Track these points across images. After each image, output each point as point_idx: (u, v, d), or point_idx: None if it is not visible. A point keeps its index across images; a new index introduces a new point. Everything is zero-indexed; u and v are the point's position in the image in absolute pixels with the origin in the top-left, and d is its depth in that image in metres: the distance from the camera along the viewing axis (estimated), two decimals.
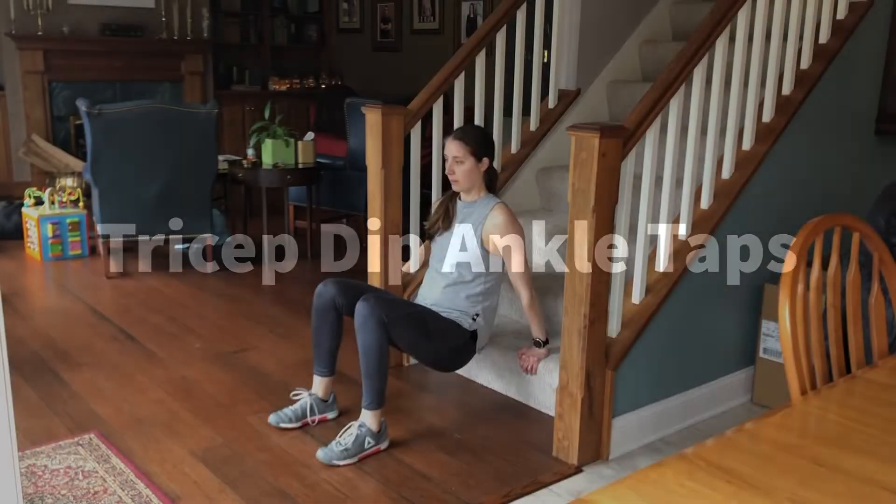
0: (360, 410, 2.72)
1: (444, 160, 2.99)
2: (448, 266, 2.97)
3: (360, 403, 2.71)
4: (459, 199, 3.03)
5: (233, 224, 5.80)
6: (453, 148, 2.91)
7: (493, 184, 3.02)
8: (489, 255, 2.94)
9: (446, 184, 3.11)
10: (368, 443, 2.68)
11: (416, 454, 2.73)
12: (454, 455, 2.73)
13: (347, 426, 2.72)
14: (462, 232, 2.96)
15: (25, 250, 5.27)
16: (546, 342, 3.02)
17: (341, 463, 2.63)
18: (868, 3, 3.29)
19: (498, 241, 2.90)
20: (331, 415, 2.96)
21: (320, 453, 2.66)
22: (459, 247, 2.95)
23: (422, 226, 3.36)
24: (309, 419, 2.90)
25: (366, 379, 2.67)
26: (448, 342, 2.87)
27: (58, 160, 6.47)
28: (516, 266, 2.91)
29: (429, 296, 3.02)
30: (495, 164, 3.78)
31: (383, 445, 2.74)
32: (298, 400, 2.94)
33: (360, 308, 2.64)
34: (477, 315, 2.94)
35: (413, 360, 3.52)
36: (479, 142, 2.92)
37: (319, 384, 2.93)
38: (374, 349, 2.64)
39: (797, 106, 3.08)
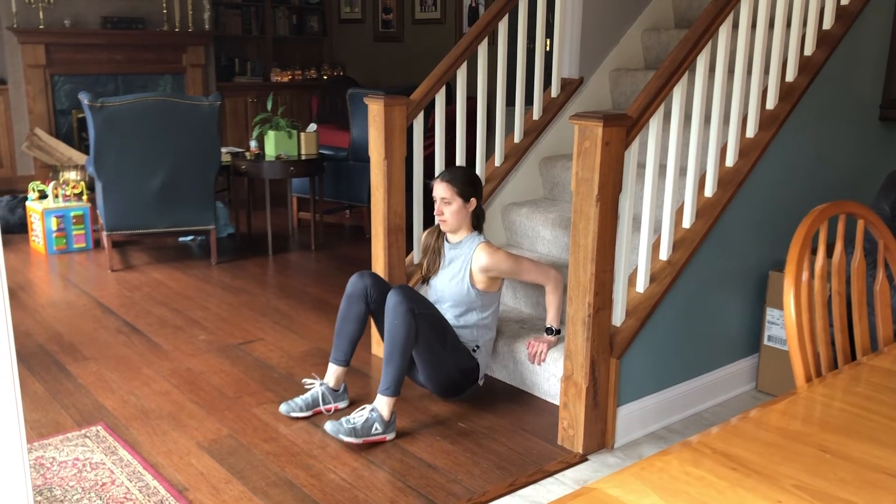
0: (374, 398, 2.75)
1: (433, 201, 3.03)
2: (445, 308, 3.01)
3: (368, 396, 2.73)
4: (447, 240, 3.08)
5: (236, 216, 5.81)
6: (441, 189, 2.97)
7: (479, 222, 3.07)
8: (482, 294, 2.98)
9: None
10: (376, 429, 2.69)
11: (421, 444, 2.74)
12: (459, 445, 2.74)
13: (361, 407, 2.76)
14: (451, 275, 3.01)
15: (30, 244, 5.28)
16: (558, 332, 3.04)
17: (345, 439, 2.66)
18: None
19: (497, 273, 2.96)
20: (342, 405, 2.98)
21: (328, 425, 2.69)
22: (452, 290, 2.99)
23: (427, 214, 3.36)
24: (322, 408, 2.92)
25: (386, 364, 2.71)
26: (459, 361, 2.91)
27: (61, 154, 6.48)
28: (529, 275, 2.99)
29: None
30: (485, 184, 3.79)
31: (389, 436, 2.75)
32: (310, 389, 2.96)
33: (393, 294, 2.70)
34: (477, 346, 3.00)
35: None
36: (466, 182, 2.98)
37: (333, 373, 2.95)
38: (401, 335, 2.67)
39: (801, 93, 3.07)
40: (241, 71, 8.42)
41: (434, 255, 3.10)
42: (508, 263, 2.96)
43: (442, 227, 3.04)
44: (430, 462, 2.63)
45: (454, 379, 2.95)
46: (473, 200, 3.00)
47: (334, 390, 2.96)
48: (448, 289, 3.00)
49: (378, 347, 3.50)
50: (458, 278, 2.98)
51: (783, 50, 3.04)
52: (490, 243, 2.99)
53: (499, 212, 3.80)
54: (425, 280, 3.15)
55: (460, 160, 3.54)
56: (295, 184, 5.73)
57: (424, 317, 2.73)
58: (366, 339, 3.55)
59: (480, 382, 3.06)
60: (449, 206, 2.96)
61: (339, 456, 2.64)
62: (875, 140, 3.54)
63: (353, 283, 2.93)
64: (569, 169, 3.76)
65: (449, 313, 2.99)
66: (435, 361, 2.87)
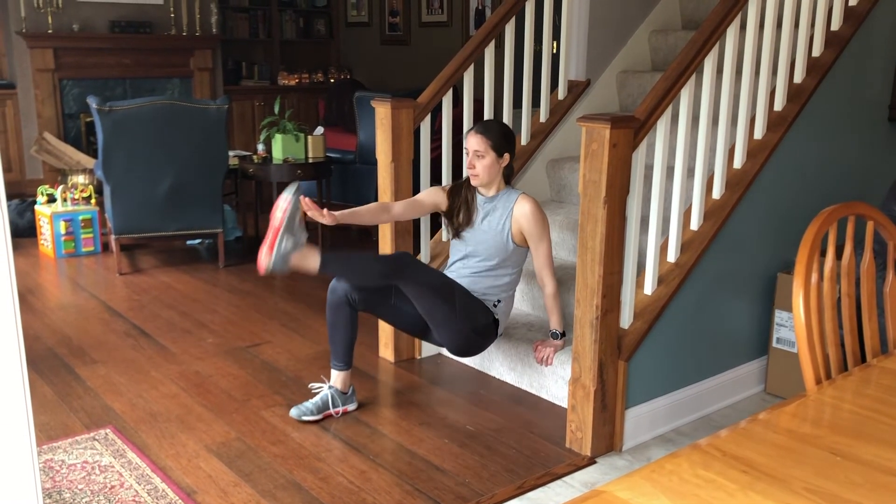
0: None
1: (464, 153, 2.99)
2: (475, 262, 2.99)
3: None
4: (478, 192, 3.04)
5: (244, 219, 5.82)
6: (474, 142, 2.92)
7: (510, 179, 3.04)
8: (516, 248, 2.96)
9: (456, 176, 3.11)
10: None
11: (429, 446, 2.74)
12: (467, 447, 2.74)
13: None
14: (489, 227, 2.97)
15: (39, 248, 5.30)
16: (563, 335, 3.03)
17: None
18: None
19: (526, 231, 2.92)
20: (351, 407, 2.98)
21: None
22: (489, 243, 2.96)
23: (433, 217, 3.35)
24: (332, 411, 2.92)
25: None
26: (473, 321, 2.88)
27: (69, 157, 6.50)
28: (543, 256, 2.94)
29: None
30: None
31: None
32: (318, 393, 2.97)
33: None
34: (498, 301, 2.97)
35: (425, 353, 3.52)
36: (500, 137, 2.93)
37: (338, 377, 2.96)
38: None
39: (809, 94, 3.06)
40: (248, 74, 8.44)
41: (466, 208, 3.02)
42: (541, 226, 2.91)
43: (472, 182, 2.98)
44: (438, 465, 2.62)
45: (471, 340, 2.93)
46: (507, 156, 2.95)
47: (343, 393, 2.96)
48: (484, 242, 2.96)
49: (385, 350, 3.50)
50: (496, 230, 2.94)
51: (791, 51, 3.03)
52: (531, 196, 2.96)
53: None
54: (456, 234, 3.06)
55: None
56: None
57: (425, 286, 2.78)
58: (373, 342, 3.56)
59: (499, 335, 3.06)
60: (482, 159, 2.91)
61: (346, 459, 2.64)
62: (884, 141, 3.52)
63: (333, 290, 2.89)
64: (576, 171, 3.76)
65: (478, 267, 2.98)
66: (447, 326, 2.86)
